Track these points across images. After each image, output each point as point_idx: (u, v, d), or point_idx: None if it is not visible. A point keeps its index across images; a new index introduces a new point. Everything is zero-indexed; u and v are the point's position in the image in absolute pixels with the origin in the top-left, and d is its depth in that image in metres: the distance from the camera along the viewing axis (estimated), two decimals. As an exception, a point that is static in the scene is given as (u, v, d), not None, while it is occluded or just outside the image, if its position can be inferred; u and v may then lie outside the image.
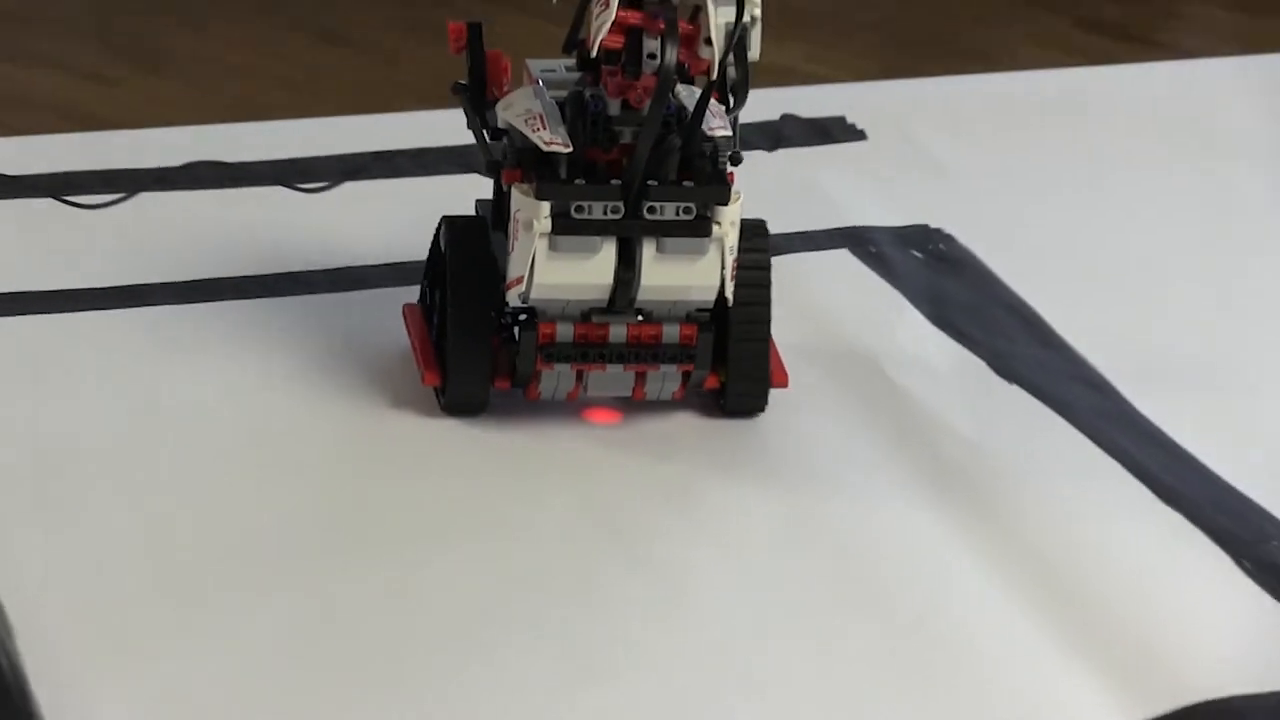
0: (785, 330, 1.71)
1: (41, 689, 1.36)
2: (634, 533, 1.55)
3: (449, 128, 1.77)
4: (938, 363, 1.73)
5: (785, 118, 2.01)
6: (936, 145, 1.99)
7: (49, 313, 1.73)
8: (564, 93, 1.59)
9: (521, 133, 1.58)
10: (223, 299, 1.75)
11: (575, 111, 1.57)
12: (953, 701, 1.43)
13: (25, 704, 1.34)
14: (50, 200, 1.86)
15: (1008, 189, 1.95)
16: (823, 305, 1.79)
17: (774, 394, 1.66)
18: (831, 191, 1.92)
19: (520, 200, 1.57)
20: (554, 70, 1.63)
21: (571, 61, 1.61)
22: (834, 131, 2.01)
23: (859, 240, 1.86)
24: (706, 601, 1.49)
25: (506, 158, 1.61)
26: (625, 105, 1.58)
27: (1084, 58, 2.30)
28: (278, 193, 1.88)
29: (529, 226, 1.56)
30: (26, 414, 1.62)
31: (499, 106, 1.61)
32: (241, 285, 1.77)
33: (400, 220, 1.83)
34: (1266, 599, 1.53)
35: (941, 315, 1.78)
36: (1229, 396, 1.72)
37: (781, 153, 1.97)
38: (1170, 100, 2.13)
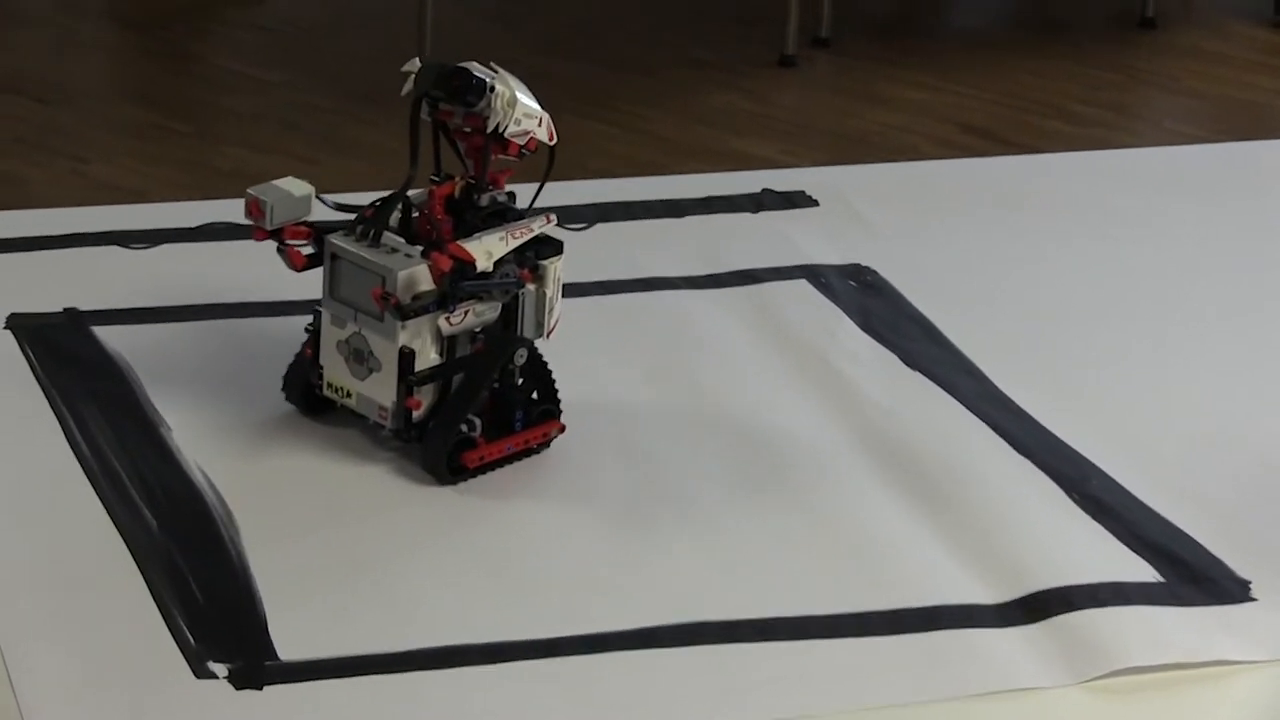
0: (762, 333, 1.69)
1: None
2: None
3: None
4: (864, 356, 1.70)
5: (765, 190, 1.97)
6: (865, 210, 1.96)
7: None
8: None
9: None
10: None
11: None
12: (864, 575, 1.42)
13: (250, 589, 1.36)
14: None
15: (913, 240, 1.91)
16: (788, 318, 1.76)
17: (749, 370, 1.63)
18: (795, 241, 1.88)
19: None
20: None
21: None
22: (797, 200, 1.97)
23: (813, 274, 1.83)
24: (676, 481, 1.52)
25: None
26: None
27: (965, 152, 2.26)
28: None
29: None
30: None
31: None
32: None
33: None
34: (1089, 520, 1.52)
35: (868, 324, 1.75)
36: (1066, 383, 1.69)
37: (762, 214, 1.93)
38: (1029, 181, 2.08)
